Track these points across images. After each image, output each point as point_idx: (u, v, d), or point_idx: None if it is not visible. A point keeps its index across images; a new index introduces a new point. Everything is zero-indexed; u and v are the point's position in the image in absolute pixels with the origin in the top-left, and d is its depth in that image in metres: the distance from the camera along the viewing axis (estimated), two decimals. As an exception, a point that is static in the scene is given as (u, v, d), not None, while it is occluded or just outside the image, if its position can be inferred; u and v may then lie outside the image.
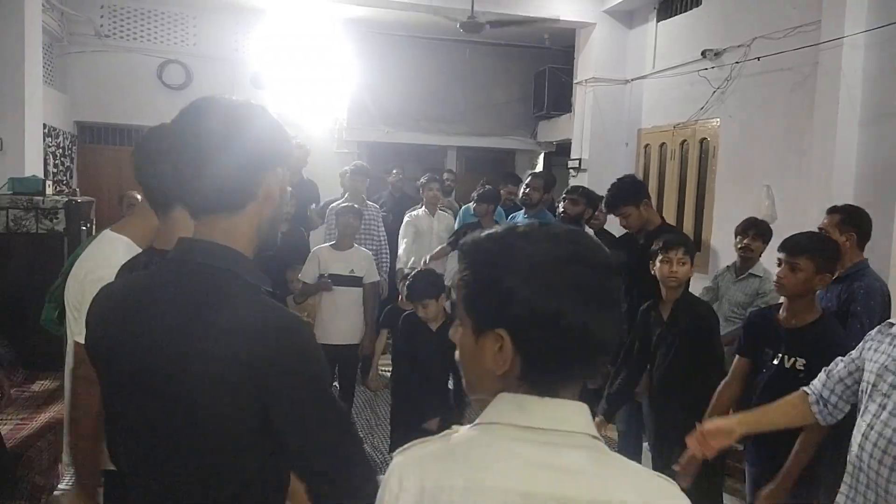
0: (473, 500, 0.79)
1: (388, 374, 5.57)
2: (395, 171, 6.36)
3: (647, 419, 3.09)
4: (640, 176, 6.39)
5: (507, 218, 5.14)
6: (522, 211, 4.81)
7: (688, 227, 5.70)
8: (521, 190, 4.84)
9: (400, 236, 5.33)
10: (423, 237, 5.23)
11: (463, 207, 5.64)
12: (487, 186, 5.38)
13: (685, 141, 5.84)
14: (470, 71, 8.24)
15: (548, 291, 0.79)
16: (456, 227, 5.40)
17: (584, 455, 0.81)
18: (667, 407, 2.85)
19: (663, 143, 6.17)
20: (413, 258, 5.14)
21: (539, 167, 8.45)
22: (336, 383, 4.27)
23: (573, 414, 0.83)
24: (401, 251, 5.26)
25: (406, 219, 5.37)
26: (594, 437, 0.83)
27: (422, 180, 5.45)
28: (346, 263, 4.07)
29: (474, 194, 5.12)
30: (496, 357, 0.82)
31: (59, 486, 3.46)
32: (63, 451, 3.45)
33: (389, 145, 7.90)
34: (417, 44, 7.91)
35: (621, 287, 0.86)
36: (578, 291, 0.80)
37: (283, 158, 1.13)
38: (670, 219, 5.87)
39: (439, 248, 4.99)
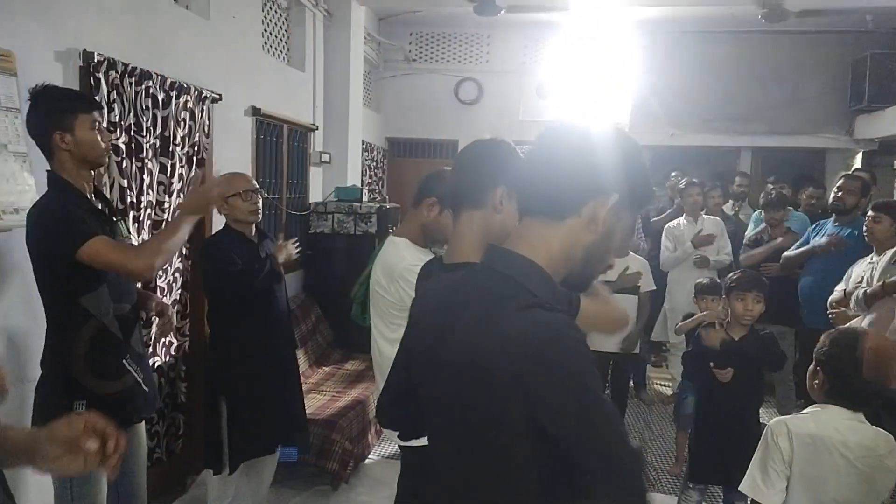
0: (833, 445, 1.65)
1: (663, 386, 5.39)
2: (673, 175, 6.06)
3: None
4: None
5: (812, 225, 4.54)
6: (832, 219, 4.21)
7: None
8: (832, 194, 4.22)
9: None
10: (685, 246, 4.84)
11: (754, 214, 5.17)
12: (777, 191, 4.84)
13: None
14: (771, 63, 7.46)
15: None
16: (749, 231, 4.95)
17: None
18: None
19: None
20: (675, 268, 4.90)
21: (856, 168, 7.33)
22: (608, 391, 4.23)
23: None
24: (662, 259, 5.01)
25: (665, 229, 5.10)
26: None
27: (680, 185, 5.07)
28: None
29: (761, 200, 4.65)
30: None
31: (368, 454, 4.00)
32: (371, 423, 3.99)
33: (674, 148, 7.53)
34: (710, 38, 7.41)
35: None
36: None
37: (632, 199, 1.09)
38: None
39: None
